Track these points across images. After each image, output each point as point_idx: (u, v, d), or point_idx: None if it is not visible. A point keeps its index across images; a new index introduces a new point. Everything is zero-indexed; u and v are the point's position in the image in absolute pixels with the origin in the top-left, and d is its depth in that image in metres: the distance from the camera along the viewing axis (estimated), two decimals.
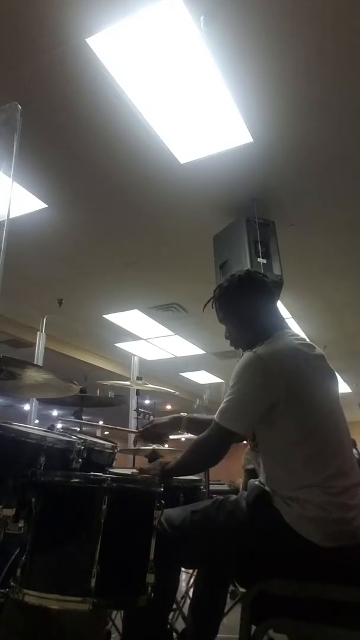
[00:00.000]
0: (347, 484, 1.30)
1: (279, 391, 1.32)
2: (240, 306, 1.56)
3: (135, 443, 1.97)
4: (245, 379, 1.38)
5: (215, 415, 1.39)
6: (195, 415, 1.78)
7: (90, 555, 1.18)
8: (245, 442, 1.66)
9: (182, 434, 1.85)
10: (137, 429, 1.94)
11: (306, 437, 1.33)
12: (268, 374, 1.34)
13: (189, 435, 1.86)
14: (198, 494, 1.92)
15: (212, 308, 1.62)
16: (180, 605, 2.09)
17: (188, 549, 1.39)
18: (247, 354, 1.40)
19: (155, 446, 2.09)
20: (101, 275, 4.88)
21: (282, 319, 1.58)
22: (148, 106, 2.68)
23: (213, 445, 1.40)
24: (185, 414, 1.77)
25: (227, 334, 1.62)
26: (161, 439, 1.83)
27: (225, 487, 5.33)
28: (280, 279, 3.30)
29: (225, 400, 1.38)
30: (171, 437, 1.87)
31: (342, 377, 8.02)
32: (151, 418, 3.59)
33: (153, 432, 1.78)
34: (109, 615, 1.79)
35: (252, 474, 3.06)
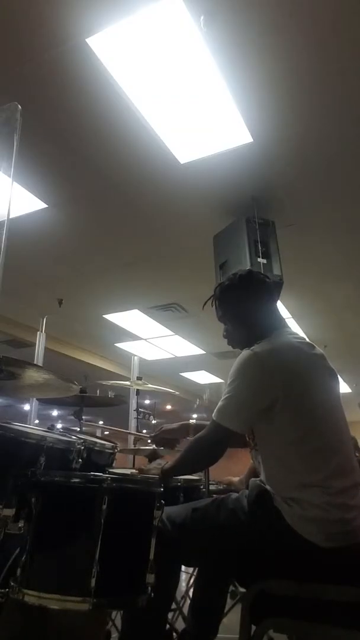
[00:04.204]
0: (347, 484, 1.30)
1: (277, 389, 1.32)
2: (240, 305, 1.55)
3: (135, 443, 1.98)
4: (242, 376, 1.37)
5: (213, 414, 1.39)
6: (203, 421, 1.80)
7: (90, 555, 1.18)
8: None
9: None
10: (138, 431, 1.99)
11: (305, 435, 1.33)
12: (265, 372, 1.34)
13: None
14: (198, 493, 1.92)
15: (212, 306, 1.62)
16: (180, 605, 2.09)
17: (188, 547, 1.40)
18: (245, 352, 1.39)
19: (155, 446, 2.09)
20: (101, 275, 4.87)
21: (281, 319, 1.58)
22: (148, 106, 2.68)
23: (211, 443, 1.40)
24: (194, 421, 1.82)
25: (225, 332, 1.62)
26: (170, 444, 1.90)
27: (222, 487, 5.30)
28: (280, 279, 3.30)
29: (222, 398, 1.38)
30: None
31: (342, 377, 8.02)
32: (151, 418, 3.59)
33: (162, 438, 1.86)
34: (109, 615, 1.79)
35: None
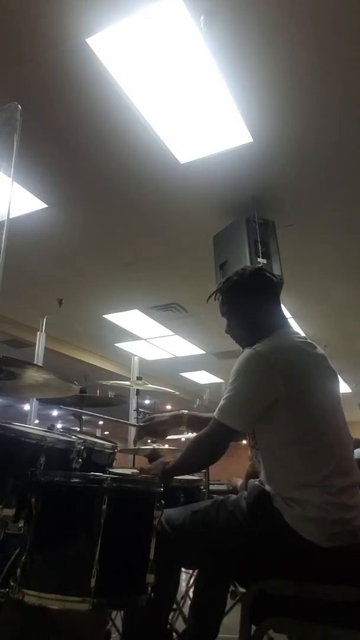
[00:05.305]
0: (346, 484, 1.30)
1: (278, 388, 1.32)
2: (246, 302, 1.55)
3: (135, 442, 1.96)
4: (244, 375, 1.37)
5: (214, 412, 1.39)
6: (196, 413, 1.78)
7: (90, 555, 1.18)
8: (245, 441, 1.66)
9: (183, 432, 1.84)
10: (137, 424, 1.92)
11: (305, 434, 1.33)
12: (267, 371, 1.34)
13: (189, 435, 1.86)
14: (198, 494, 1.92)
15: (215, 300, 1.62)
16: (180, 605, 2.09)
17: (188, 549, 1.39)
18: (247, 351, 1.40)
19: (155, 446, 2.09)
20: (101, 275, 4.88)
21: (284, 319, 1.58)
22: (148, 106, 2.68)
23: (213, 442, 1.40)
24: (187, 411, 1.77)
25: (227, 328, 1.62)
26: (161, 435, 1.81)
27: (225, 488, 5.30)
28: (280, 279, 3.28)
29: (224, 397, 1.38)
30: (171, 436, 1.87)
31: (342, 377, 8.02)
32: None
33: (152, 428, 1.76)
34: (109, 615, 1.79)
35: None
